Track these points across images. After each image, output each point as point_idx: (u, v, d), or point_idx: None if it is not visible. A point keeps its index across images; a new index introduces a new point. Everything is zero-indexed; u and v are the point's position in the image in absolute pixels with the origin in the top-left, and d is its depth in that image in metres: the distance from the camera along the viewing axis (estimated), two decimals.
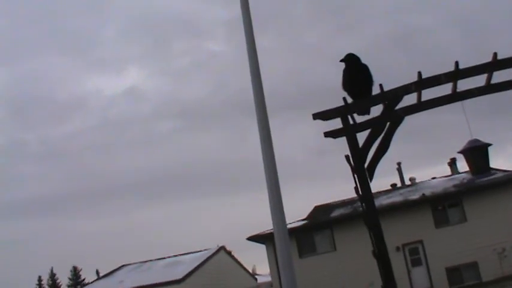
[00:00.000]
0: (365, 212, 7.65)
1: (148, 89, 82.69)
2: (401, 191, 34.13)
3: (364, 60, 8.31)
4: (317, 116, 7.81)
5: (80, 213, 73.68)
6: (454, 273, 28.80)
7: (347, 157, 7.61)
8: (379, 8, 70.36)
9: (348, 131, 7.68)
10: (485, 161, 31.10)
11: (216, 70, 77.10)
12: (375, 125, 7.79)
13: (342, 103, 7.99)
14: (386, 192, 34.59)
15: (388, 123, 7.96)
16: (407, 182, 35.92)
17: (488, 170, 31.12)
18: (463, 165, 34.61)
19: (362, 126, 7.94)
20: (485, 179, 30.66)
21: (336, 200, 35.28)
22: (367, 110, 8.17)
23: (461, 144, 31.68)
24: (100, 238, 71.23)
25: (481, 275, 28.23)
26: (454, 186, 31.26)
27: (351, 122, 8.05)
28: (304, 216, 33.67)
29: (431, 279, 29.05)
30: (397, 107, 8.08)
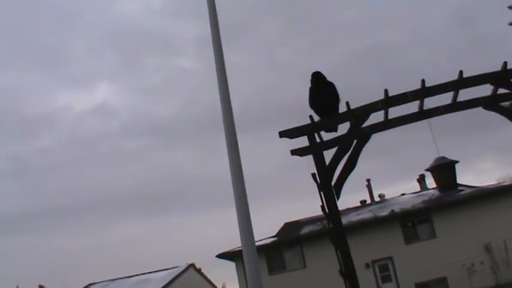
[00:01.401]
0: (332, 230, 7.57)
1: (118, 105, 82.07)
2: (371, 207, 34.25)
3: (335, 78, 8.29)
4: (283, 134, 7.74)
5: (48, 230, 72.39)
6: None
7: (313, 175, 7.55)
8: (349, 26, 70.88)
9: (314, 149, 7.62)
10: (452, 178, 31.33)
11: (187, 87, 76.81)
12: (341, 143, 7.75)
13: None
14: (356, 208, 34.72)
15: (355, 141, 7.92)
16: (377, 199, 36.10)
17: (456, 187, 31.34)
18: (432, 182, 34.87)
19: (329, 144, 7.89)
20: (454, 195, 30.89)
21: (306, 216, 35.20)
22: (334, 127, 8.12)
23: (431, 160, 31.90)
24: (68, 256, 70.05)
25: None
26: (423, 202, 31.43)
27: (318, 139, 8.00)
28: (274, 233, 33.57)
29: None
30: (364, 125, 8.05)
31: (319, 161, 7.54)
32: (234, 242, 33.74)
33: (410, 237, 29.99)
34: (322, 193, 7.54)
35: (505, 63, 7.85)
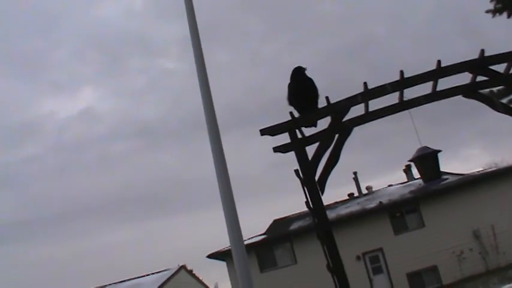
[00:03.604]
0: (317, 226, 7.56)
1: (103, 109, 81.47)
2: (359, 200, 34.35)
3: (320, 72, 8.29)
4: (265, 131, 7.72)
5: (37, 239, 71.56)
6: (415, 278, 29.02)
7: (296, 171, 7.53)
8: (333, 20, 70.93)
9: (296, 146, 7.61)
10: (435, 167, 31.37)
11: (172, 88, 76.31)
12: (323, 138, 7.73)
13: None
14: (344, 202, 34.83)
15: (337, 135, 7.91)
16: (364, 191, 36.18)
17: (439, 176, 31.45)
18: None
19: (311, 140, 7.87)
20: (441, 183, 31.05)
21: (295, 212, 35.19)
22: (314, 123, 8.10)
23: (415, 150, 32.03)
24: (58, 264, 69.40)
25: (441, 278, 28.50)
26: (410, 192, 31.56)
27: (300, 135, 7.98)
28: (264, 231, 33.57)
29: (393, 286, 29.16)
30: (345, 119, 8.04)
31: (301, 156, 7.53)
32: (225, 241, 33.69)
33: (399, 227, 30.14)
34: (306, 189, 7.53)
35: (482, 51, 7.88)
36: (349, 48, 67.23)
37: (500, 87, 8.80)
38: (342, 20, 69.51)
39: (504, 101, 9.34)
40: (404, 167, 36.72)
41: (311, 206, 7.56)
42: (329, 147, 7.70)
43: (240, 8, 71.45)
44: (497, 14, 11.78)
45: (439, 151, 31.54)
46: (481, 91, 8.39)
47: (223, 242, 32.67)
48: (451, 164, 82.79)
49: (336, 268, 7.38)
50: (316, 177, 7.65)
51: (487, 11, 11.69)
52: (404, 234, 29.81)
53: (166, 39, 76.17)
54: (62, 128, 75.50)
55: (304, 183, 7.52)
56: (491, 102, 8.37)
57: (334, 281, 7.35)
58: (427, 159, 31.36)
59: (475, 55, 8.12)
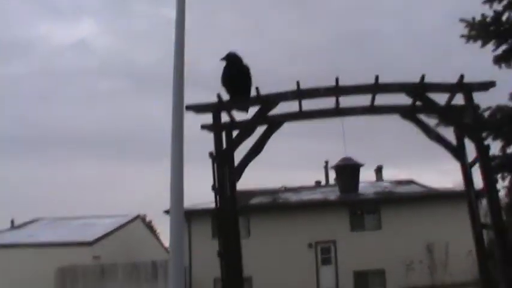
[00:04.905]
0: (220, 207, 7.58)
1: (99, 44, 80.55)
2: (324, 189, 34.41)
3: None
4: (190, 108, 7.68)
5: (6, 159, 70.29)
6: (361, 277, 29.21)
7: (211, 154, 7.52)
8: (335, 7, 70.53)
9: (216, 128, 7.59)
10: (354, 180, 31.43)
11: (170, 37, 75.46)
12: (244, 126, 7.73)
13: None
14: (309, 188, 34.87)
15: (266, 127, 7.92)
16: (332, 182, 36.21)
17: (356, 190, 31.46)
18: (389, 173, 35.08)
19: (237, 125, 7.87)
20: (407, 191, 31.18)
21: (258, 188, 34.90)
22: (245, 108, 8.08)
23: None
24: (23, 187, 68.20)
25: (386, 283, 28.70)
26: (375, 193, 31.63)
27: (229, 118, 7.96)
28: None
29: (338, 280, 29.38)
30: (278, 112, 8.04)
31: (218, 140, 7.51)
32: (188, 199, 33.55)
33: (357, 225, 30.27)
34: (216, 172, 7.53)
35: (423, 76, 7.81)
36: (349, 38, 66.85)
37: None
38: (349, 10, 69.07)
39: (444, 129, 9.24)
40: (375, 167, 36.79)
41: (217, 188, 7.58)
42: (249, 136, 7.70)
43: None
44: (471, 41, 11.58)
45: (361, 165, 31.69)
46: (419, 116, 8.35)
47: (188, 199, 32.63)
48: (428, 176, 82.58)
49: (231, 252, 7.42)
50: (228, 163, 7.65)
51: (461, 36, 11.53)
52: (360, 232, 29.95)
53: None
54: (53, 53, 74.80)
55: (216, 166, 7.51)
56: (427, 129, 8.35)
57: (221, 265, 7.38)
58: (346, 171, 31.46)
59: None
